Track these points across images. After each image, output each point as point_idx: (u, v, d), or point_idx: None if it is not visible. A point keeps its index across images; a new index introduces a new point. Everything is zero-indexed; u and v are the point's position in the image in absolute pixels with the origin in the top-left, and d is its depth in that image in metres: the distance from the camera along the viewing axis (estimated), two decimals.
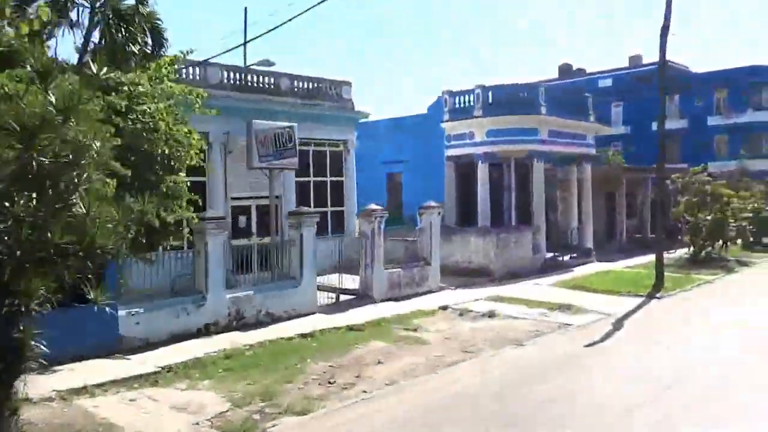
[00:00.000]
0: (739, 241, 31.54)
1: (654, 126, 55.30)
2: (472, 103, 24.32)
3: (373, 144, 28.15)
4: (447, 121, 24.94)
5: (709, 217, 25.78)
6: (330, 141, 20.94)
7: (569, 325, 14.45)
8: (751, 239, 32.17)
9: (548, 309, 16.11)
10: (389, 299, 17.20)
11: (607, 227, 32.58)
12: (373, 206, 17.33)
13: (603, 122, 57.03)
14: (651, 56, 55.15)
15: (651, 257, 25.91)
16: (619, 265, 24.37)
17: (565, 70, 64.95)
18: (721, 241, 26.78)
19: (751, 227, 28.68)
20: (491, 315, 15.42)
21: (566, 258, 25.61)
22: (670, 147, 56.38)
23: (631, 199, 36.51)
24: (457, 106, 24.96)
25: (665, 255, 26.41)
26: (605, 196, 32.92)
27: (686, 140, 53.10)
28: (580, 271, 23.42)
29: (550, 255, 24.83)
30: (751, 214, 29.19)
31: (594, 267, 24.66)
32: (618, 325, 14.51)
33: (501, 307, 16.25)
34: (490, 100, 23.98)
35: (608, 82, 59.65)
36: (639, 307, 16.82)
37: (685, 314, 16.19)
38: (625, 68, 59.85)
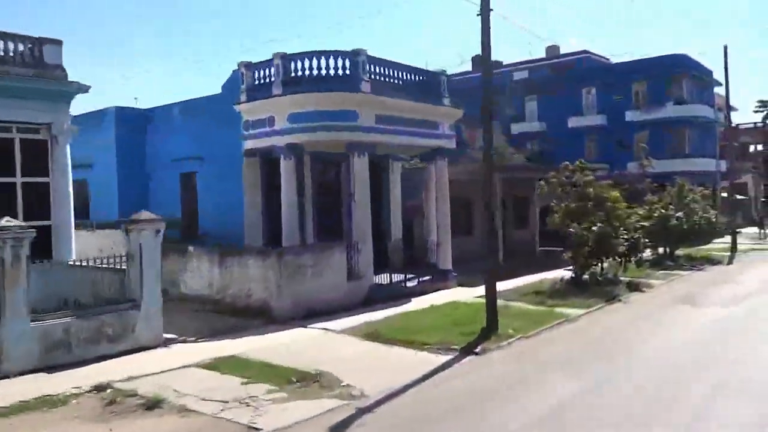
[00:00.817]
0: (647, 253, 26.10)
1: (571, 122, 50.42)
2: (272, 78, 17.94)
3: (164, 137, 21.53)
4: (243, 102, 18.49)
5: (595, 228, 20.01)
6: (23, 125, 14.21)
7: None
8: (653, 254, 26.86)
9: (274, 385, 9.77)
10: (38, 370, 10.66)
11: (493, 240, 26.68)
12: (5, 222, 10.66)
13: (517, 119, 51.92)
14: (570, 47, 50.16)
15: (536, 278, 20.35)
16: (475, 293, 18.27)
17: (478, 62, 59.33)
18: (612, 258, 21.10)
19: (646, 240, 23.27)
20: (153, 405, 9.01)
21: (414, 283, 19.50)
22: (587, 145, 51.69)
23: (525, 206, 30.85)
24: (257, 82, 18.55)
25: (547, 276, 20.79)
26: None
27: (605, 137, 48.17)
28: (420, 302, 17.35)
29: (385, 281, 18.67)
30: (646, 223, 23.83)
31: (443, 295, 18.64)
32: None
33: (193, 384, 9.86)
34: (295, 73, 17.63)
35: (524, 75, 54.42)
36: (431, 374, 10.64)
37: (500, 390, 10.05)
38: (541, 59, 54.79)
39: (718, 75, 45.29)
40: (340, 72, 17.59)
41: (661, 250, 27.33)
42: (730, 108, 43.19)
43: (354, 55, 17.65)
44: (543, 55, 55.07)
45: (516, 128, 51.04)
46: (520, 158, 38.78)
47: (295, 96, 17.30)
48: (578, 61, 51.68)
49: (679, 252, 28.00)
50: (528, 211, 30.56)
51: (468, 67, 60.36)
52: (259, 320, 14.82)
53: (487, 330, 13.11)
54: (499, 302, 14.36)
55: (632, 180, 30.16)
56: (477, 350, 12.14)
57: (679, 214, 25.45)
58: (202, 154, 20.03)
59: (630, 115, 45.65)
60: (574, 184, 20.78)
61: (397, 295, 18.08)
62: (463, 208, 26.54)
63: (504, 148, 46.80)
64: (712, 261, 27.27)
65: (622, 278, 20.74)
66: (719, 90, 54.13)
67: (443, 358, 11.58)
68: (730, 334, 13.74)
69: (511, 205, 30.13)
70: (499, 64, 58.72)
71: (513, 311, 15.42)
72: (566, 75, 48.96)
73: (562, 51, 55.08)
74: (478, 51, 14.34)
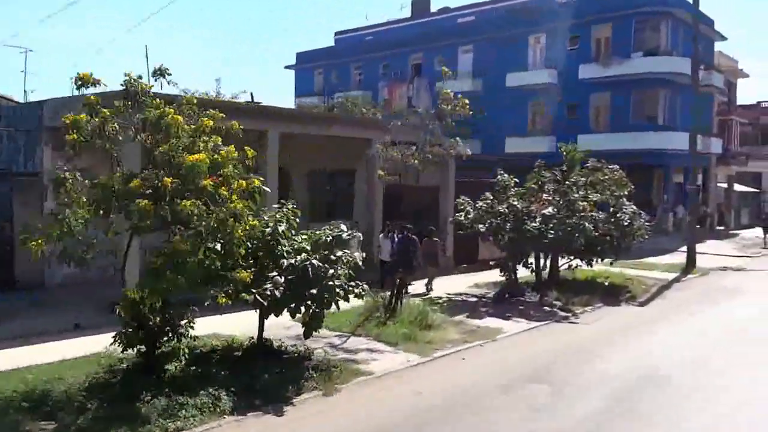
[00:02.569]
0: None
1: (510, 80, 38.11)
2: None
3: None
4: None
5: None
6: None
7: None
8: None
9: None
10: None
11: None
12: None
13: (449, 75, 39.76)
14: None
15: None
16: None
17: (421, 8, 47.39)
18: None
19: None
20: None
21: None
22: (530, 111, 39.05)
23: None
24: None
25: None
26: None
27: (555, 101, 35.77)
28: None
29: None
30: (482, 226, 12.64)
31: None
32: None
33: None
34: None
35: (470, 20, 42.05)
36: None
37: None
38: (487, 1, 42.36)
39: (724, 27, 32.73)
40: None
41: (565, 262, 15.68)
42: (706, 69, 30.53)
43: None
44: None
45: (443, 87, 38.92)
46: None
47: None
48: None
49: (589, 268, 16.26)
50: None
51: (407, 12, 48.51)
52: None
53: None
54: None
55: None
56: None
57: (547, 211, 13.46)
58: None
59: (584, 71, 33.14)
60: None
61: None
62: None
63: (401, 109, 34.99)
64: (621, 294, 15.51)
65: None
66: (723, 47, 41.24)
67: None
68: None
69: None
70: (446, 9, 46.77)
71: None
72: (510, 17, 36.65)
73: None
74: None
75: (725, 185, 43.32)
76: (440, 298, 14.30)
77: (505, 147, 36.24)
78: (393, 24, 47.06)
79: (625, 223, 14.94)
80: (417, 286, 15.18)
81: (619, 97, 32.62)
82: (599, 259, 15.73)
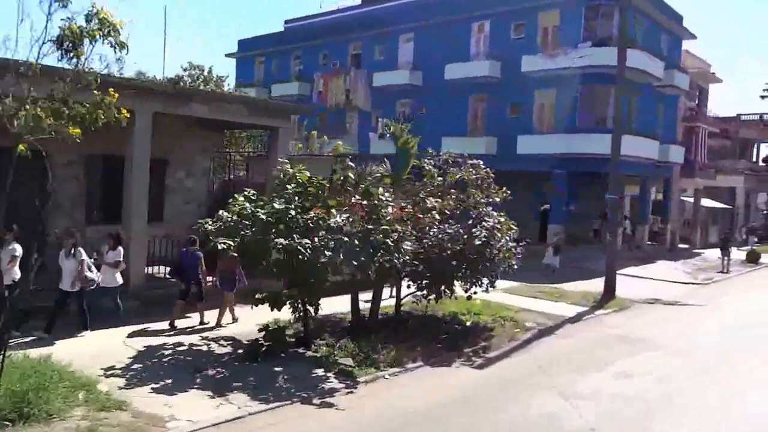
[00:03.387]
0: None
1: (449, 71, 34.16)
2: None
3: None
4: None
5: None
6: None
7: None
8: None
9: None
10: None
11: None
12: None
13: (388, 65, 35.94)
14: None
15: None
16: None
17: None
18: None
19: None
20: None
21: None
22: (471, 107, 34.76)
23: None
24: None
25: None
26: None
27: (499, 97, 31.96)
28: None
29: None
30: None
31: None
32: None
33: None
34: None
35: (411, 4, 37.90)
36: None
37: None
38: None
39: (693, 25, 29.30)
40: None
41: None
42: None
43: None
44: None
45: (381, 79, 35.08)
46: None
47: None
48: None
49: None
50: None
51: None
52: None
53: None
54: None
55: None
56: None
57: (334, 221, 9.23)
58: None
59: (528, 63, 29.20)
60: None
61: None
62: None
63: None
64: (475, 341, 11.39)
65: None
66: (692, 46, 37.43)
67: None
68: None
69: None
70: None
71: None
72: (454, 1, 32.69)
73: None
74: None
75: (689, 199, 39.47)
76: (181, 344, 10.28)
77: (441, 148, 32.27)
78: (342, 12, 43.12)
79: (478, 242, 10.94)
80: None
81: (566, 94, 28.69)
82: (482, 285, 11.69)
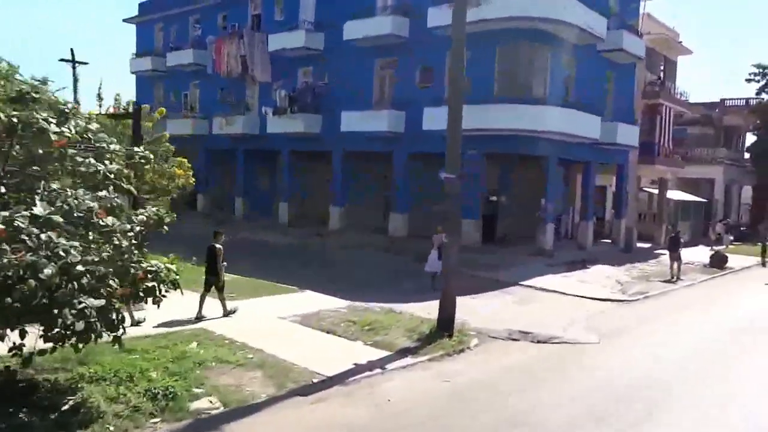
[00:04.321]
0: None
1: (348, 31, 27.58)
2: None
3: None
4: None
5: None
6: None
7: None
8: None
9: None
10: None
11: None
12: None
13: (285, 26, 29.82)
14: None
15: None
16: None
17: None
18: None
19: None
20: None
21: None
22: (377, 76, 27.35)
23: None
24: None
25: None
26: None
27: (408, 61, 26.16)
28: None
29: None
30: None
31: None
32: None
33: None
34: None
35: None
36: None
37: None
38: None
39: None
40: None
41: None
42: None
43: None
44: None
45: (276, 42, 29.10)
46: None
47: None
48: None
49: None
50: None
51: None
52: None
53: None
54: None
55: None
56: None
57: None
58: None
59: (434, 17, 23.24)
60: None
61: None
62: None
63: None
64: None
65: None
66: (656, 11, 31.33)
67: None
68: None
69: None
70: None
71: None
72: None
73: None
74: None
75: (655, 191, 33.46)
76: None
77: (341, 125, 26.45)
78: None
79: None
80: None
81: (481, 57, 22.73)
82: None
